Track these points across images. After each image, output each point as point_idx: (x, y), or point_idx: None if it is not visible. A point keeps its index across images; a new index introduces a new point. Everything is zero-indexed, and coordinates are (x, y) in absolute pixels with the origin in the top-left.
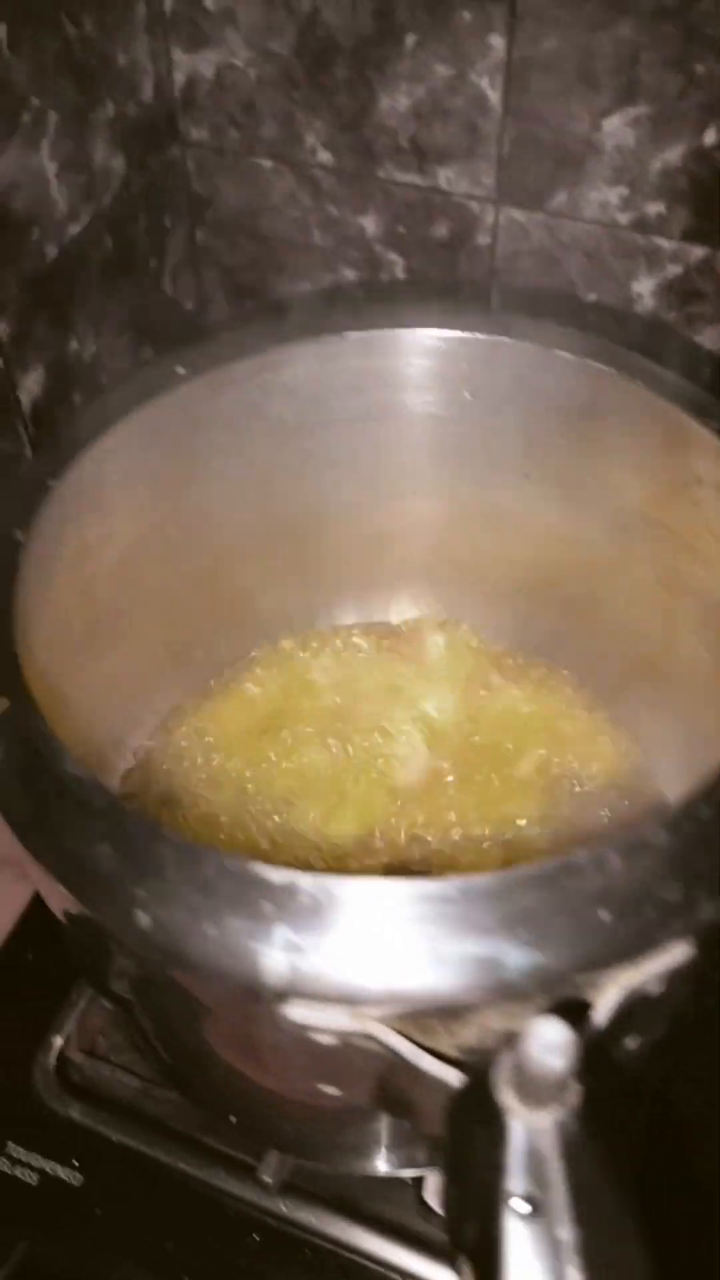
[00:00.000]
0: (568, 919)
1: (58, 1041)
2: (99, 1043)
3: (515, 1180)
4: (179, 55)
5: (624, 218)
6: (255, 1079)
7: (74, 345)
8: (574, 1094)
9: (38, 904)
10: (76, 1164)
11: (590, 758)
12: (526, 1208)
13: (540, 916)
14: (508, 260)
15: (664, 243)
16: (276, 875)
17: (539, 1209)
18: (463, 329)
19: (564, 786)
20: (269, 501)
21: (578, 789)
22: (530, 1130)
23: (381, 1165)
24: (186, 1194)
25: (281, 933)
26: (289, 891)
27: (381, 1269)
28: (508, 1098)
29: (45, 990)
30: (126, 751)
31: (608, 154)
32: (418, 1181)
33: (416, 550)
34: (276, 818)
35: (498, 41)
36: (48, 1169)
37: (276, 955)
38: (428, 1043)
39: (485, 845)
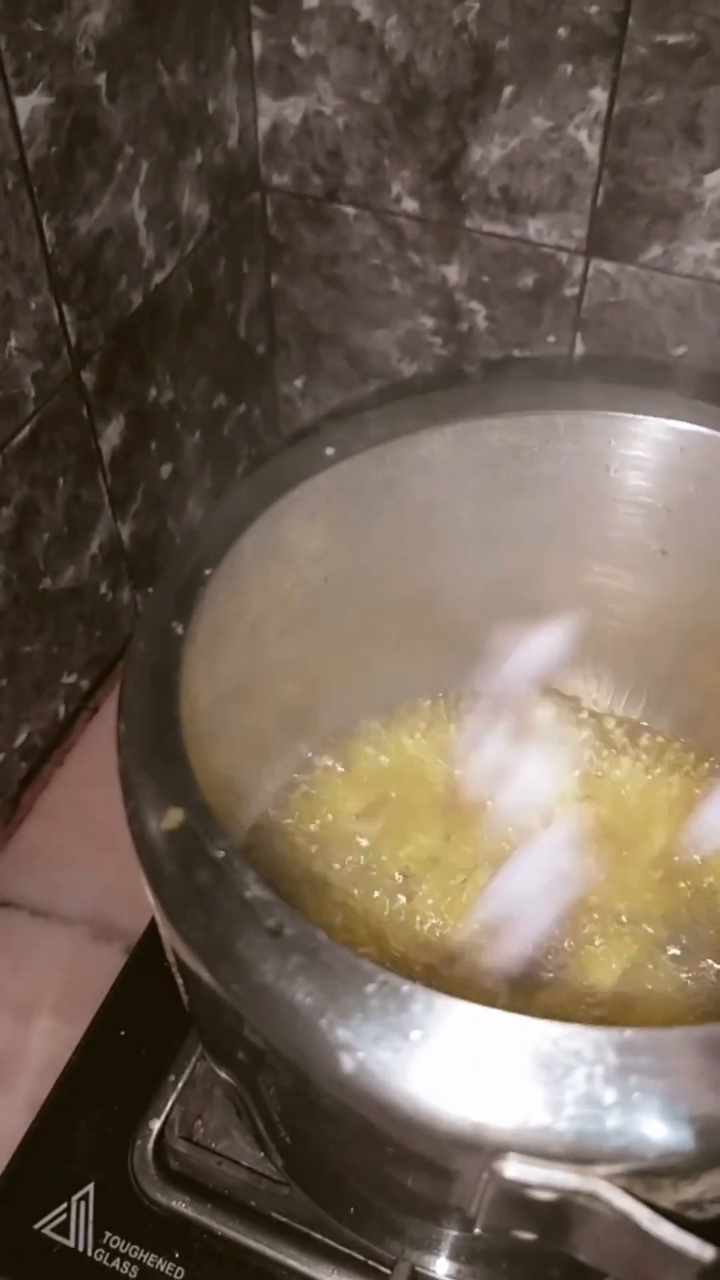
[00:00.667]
0: None
1: (155, 1125)
2: (197, 1128)
3: None
4: (265, 102)
5: None
6: (424, 1207)
7: (153, 393)
8: None
9: (130, 973)
10: (178, 1256)
11: None
12: None
13: None
14: (593, 311)
15: None
16: (500, 1021)
17: None
18: (608, 409)
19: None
20: (394, 576)
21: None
22: None
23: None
24: None
25: (506, 1083)
26: (515, 1039)
27: None
28: None
29: (140, 1070)
30: (243, 828)
31: (707, 209)
32: None
33: (540, 624)
34: (395, 901)
35: (599, 95)
36: (148, 1261)
37: (503, 1112)
38: (651, 1199)
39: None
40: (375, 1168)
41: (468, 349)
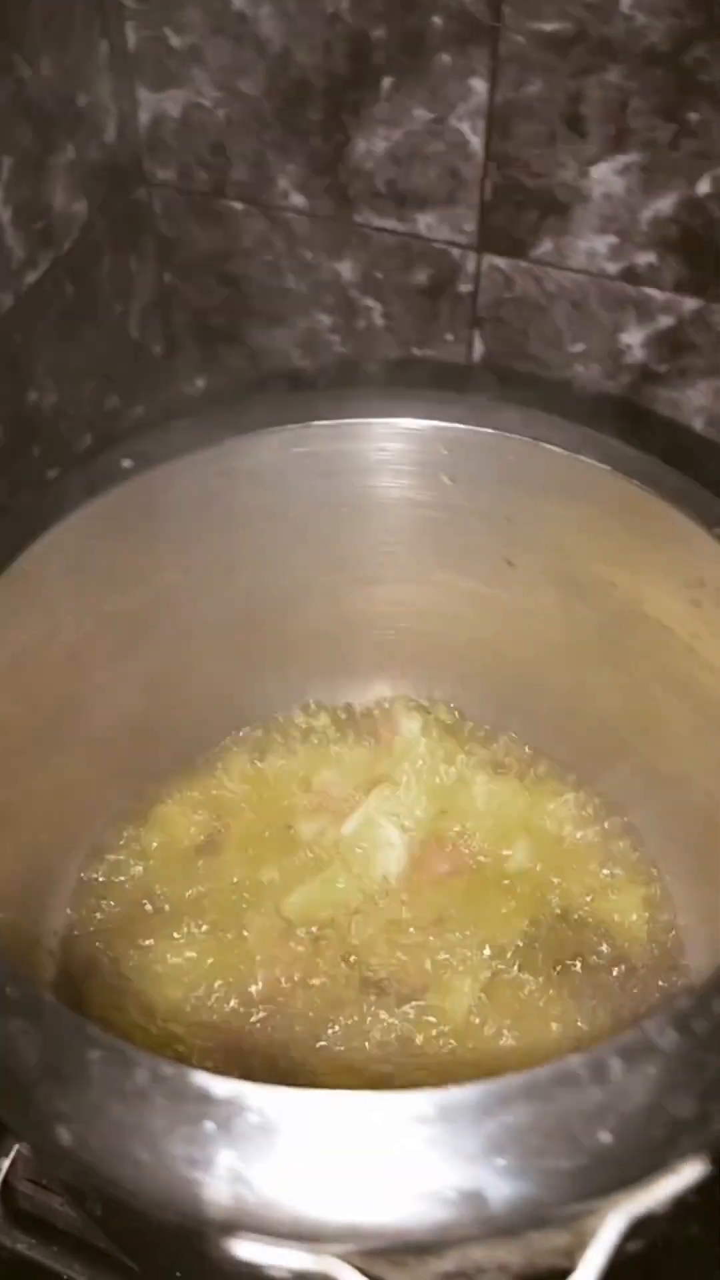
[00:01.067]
0: (562, 1142)
1: (2, 1167)
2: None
3: None
4: (144, 94)
5: (613, 267)
6: None
7: (33, 396)
8: None
9: None
10: None
11: (583, 869)
12: None
13: (530, 1139)
14: (490, 308)
15: (655, 294)
16: (219, 1087)
17: None
18: (443, 419)
19: (549, 896)
20: (230, 588)
21: (558, 902)
22: None
23: None
24: None
25: (226, 1158)
26: (234, 1107)
27: None
28: None
29: None
30: (76, 861)
31: (596, 202)
32: None
33: (390, 633)
34: (241, 927)
35: (479, 85)
36: None
37: (219, 1185)
38: (398, 1278)
39: (462, 969)
40: (148, 1249)
41: (366, 347)
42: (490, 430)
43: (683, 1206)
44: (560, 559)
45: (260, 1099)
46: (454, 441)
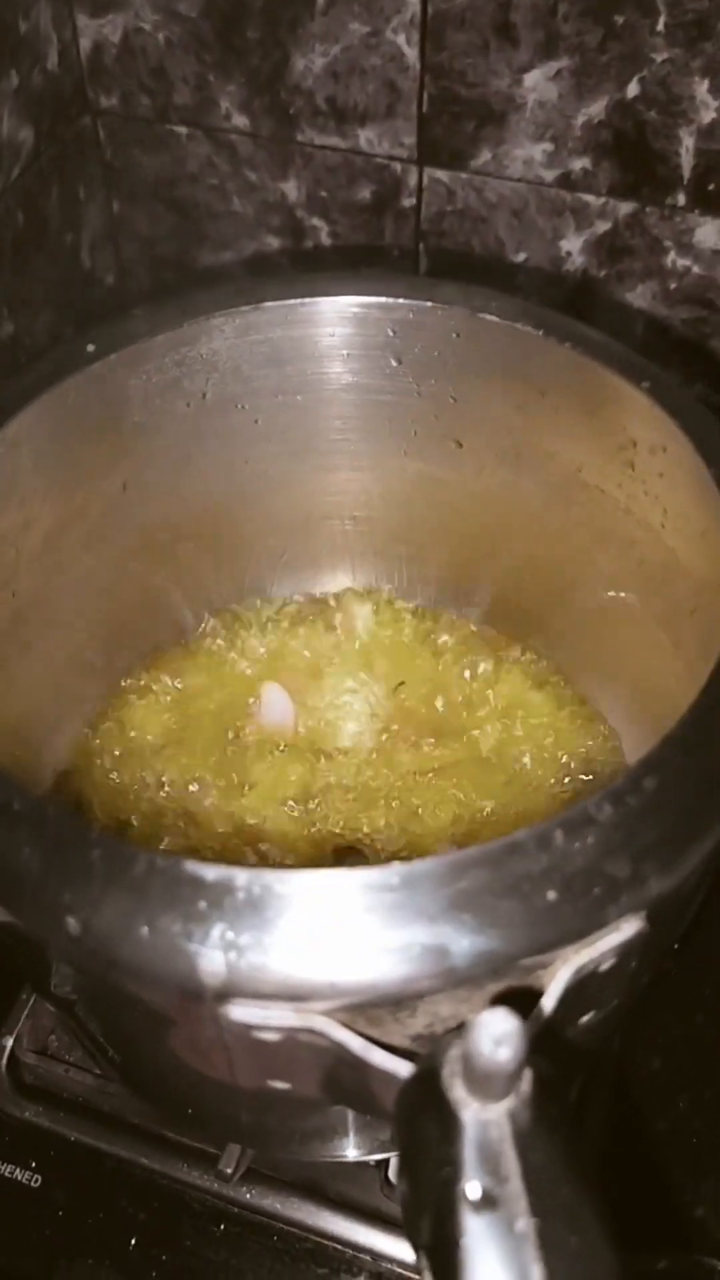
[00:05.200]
0: (514, 901)
1: (8, 1042)
2: (50, 1042)
3: (469, 1174)
4: (84, 20)
5: (549, 175)
6: (206, 1076)
7: None
8: (526, 1082)
9: None
10: (34, 1165)
11: (542, 724)
12: (478, 1195)
13: (485, 900)
14: (433, 222)
15: (591, 199)
16: (210, 872)
17: (495, 1202)
18: (385, 295)
19: (515, 757)
20: (192, 479)
21: (527, 760)
22: (482, 1122)
23: (346, 1152)
24: (149, 1189)
25: (218, 931)
26: (224, 888)
27: (351, 1250)
28: (457, 1090)
29: None
30: (57, 747)
31: (530, 110)
32: (382, 1162)
33: (348, 522)
34: (215, 801)
35: None
36: (4, 1171)
37: (214, 955)
38: (377, 1035)
39: (436, 825)
40: (151, 1044)
41: (315, 267)
42: (430, 303)
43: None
44: (505, 434)
45: (247, 879)
46: (399, 322)
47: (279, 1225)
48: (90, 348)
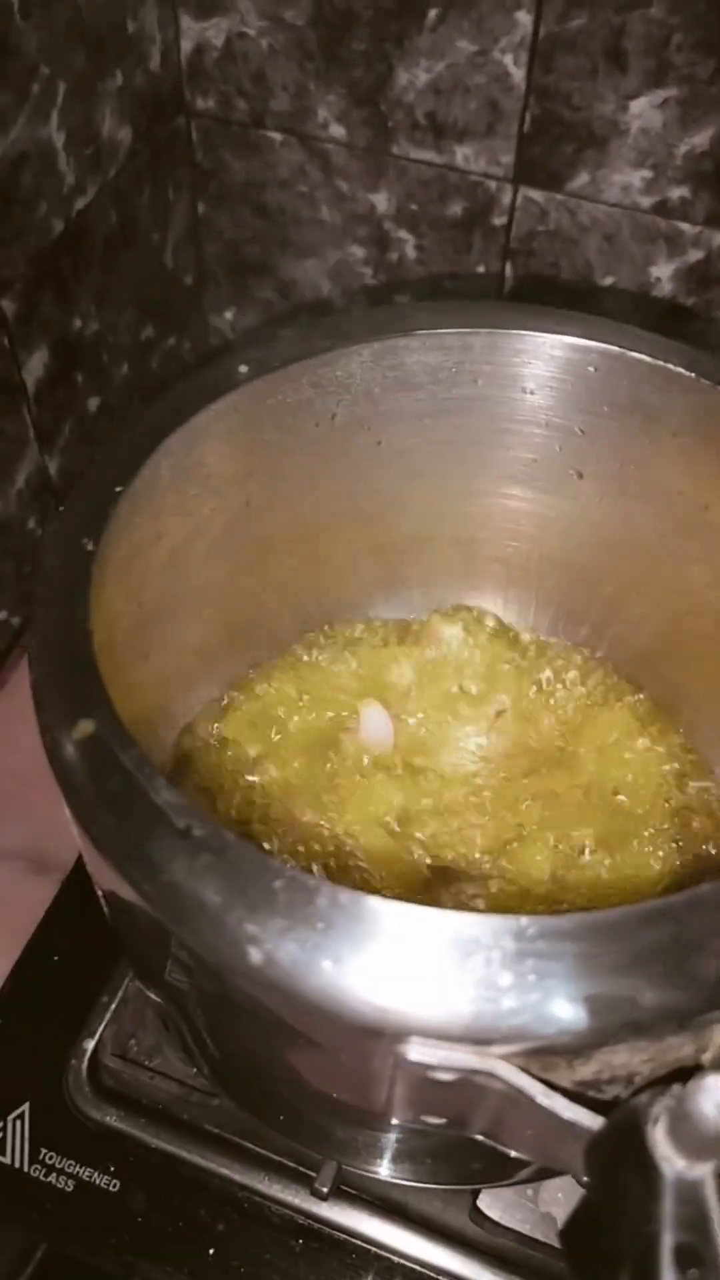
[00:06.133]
0: (700, 955)
1: (89, 1045)
2: (130, 1046)
3: (674, 1230)
4: (187, 23)
5: (646, 201)
6: (343, 1104)
7: (77, 323)
8: None
9: (61, 901)
10: (113, 1170)
11: (643, 762)
12: (684, 1253)
13: (672, 952)
14: (523, 241)
15: (686, 227)
16: (396, 910)
17: (701, 1260)
18: (530, 328)
19: (613, 792)
20: (312, 496)
21: (625, 797)
22: (690, 1181)
23: (437, 1177)
24: (227, 1200)
25: (404, 970)
26: (413, 928)
27: (431, 1273)
28: (664, 1148)
29: (74, 992)
30: (161, 758)
31: (633, 136)
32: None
33: (459, 547)
34: (312, 816)
35: (524, 18)
36: (84, 1175)
37: (397, 995)
38: (549, 1079)
39: (531, 854)
40: (294, 1066)
41: (398, 279)
42: (575, 339)
43: None
44: (629, 468)
45: (435, 920)
46: (535, 354)
47: (358, 1244)
48: (243, 369)
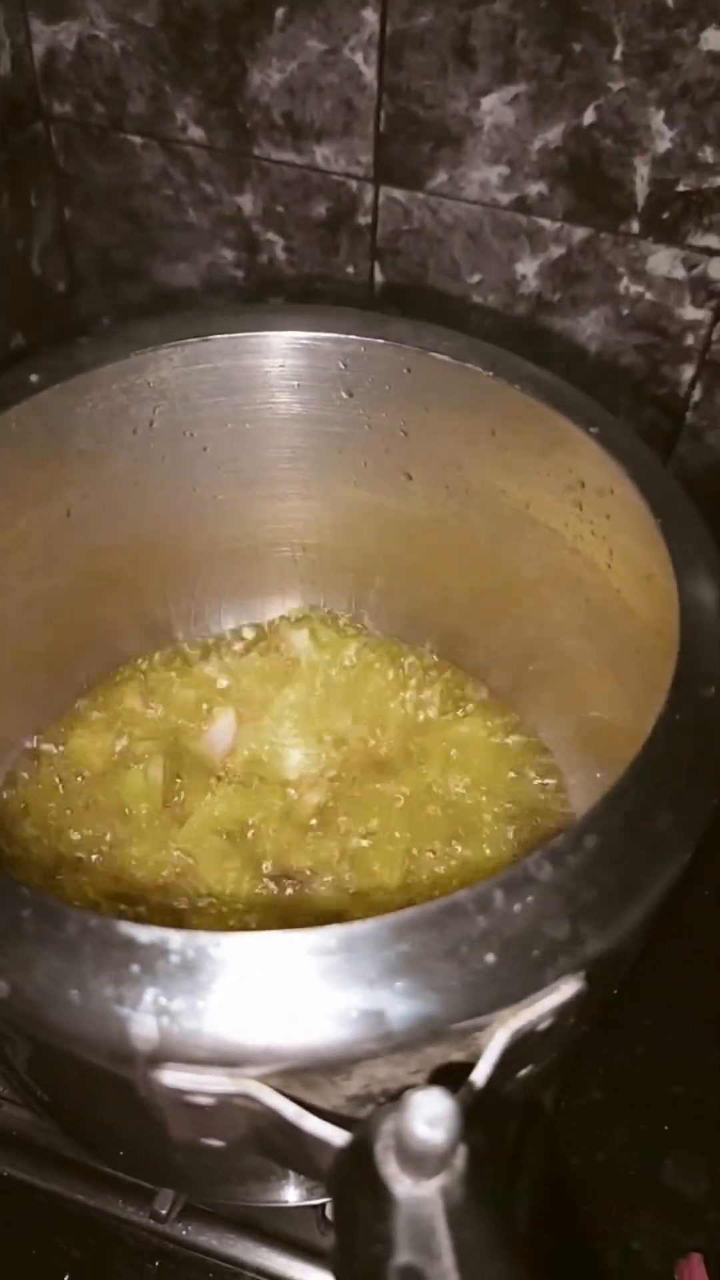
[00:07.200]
0: (452, 964)
1: None
2: None
3: (400, 1251)
4: (38, 26)
5: (505, 198)
6: (140, 1131)
7: None
8: (459, 1159)
9: None
10: None
11: (488, 759)
12: (408, 1273)
13: (424, 963)
14: (389, 240)
15: (546, 223)
16: (143, 934)
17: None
18: (336, 330)
19: (461, 792)
20: (139, 506)
21: (471, 795)
22: (414, 1199)
23: (285, 1195)
24: (82, 1225)
25: (151, 995)
26: (157, 950)
27: None
28: (390, 1166)
29: None
30: None
31: (486, 133)
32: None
33: (295, 552)
34: (151, 827)
35: (371, 16)
36: None
37: (146, 1020)
38: (312, 1098)
39: (379, 860)
40: (81, 1096)
41: (270, 281)
42: (382, 340)
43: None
44: (454, 469)
45: (181, 941)
46: (350, 355)
47: (214, 1261)
48: (34, 378)
